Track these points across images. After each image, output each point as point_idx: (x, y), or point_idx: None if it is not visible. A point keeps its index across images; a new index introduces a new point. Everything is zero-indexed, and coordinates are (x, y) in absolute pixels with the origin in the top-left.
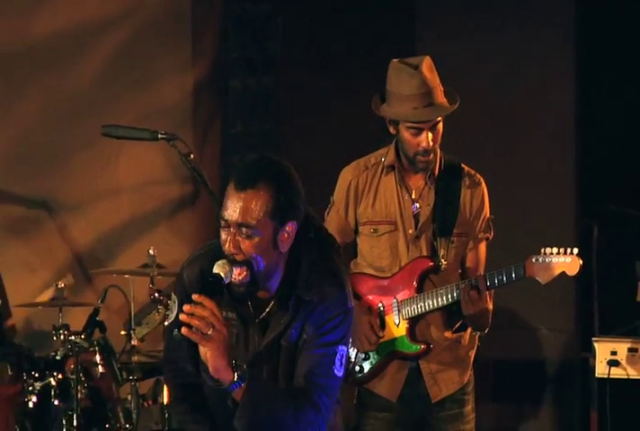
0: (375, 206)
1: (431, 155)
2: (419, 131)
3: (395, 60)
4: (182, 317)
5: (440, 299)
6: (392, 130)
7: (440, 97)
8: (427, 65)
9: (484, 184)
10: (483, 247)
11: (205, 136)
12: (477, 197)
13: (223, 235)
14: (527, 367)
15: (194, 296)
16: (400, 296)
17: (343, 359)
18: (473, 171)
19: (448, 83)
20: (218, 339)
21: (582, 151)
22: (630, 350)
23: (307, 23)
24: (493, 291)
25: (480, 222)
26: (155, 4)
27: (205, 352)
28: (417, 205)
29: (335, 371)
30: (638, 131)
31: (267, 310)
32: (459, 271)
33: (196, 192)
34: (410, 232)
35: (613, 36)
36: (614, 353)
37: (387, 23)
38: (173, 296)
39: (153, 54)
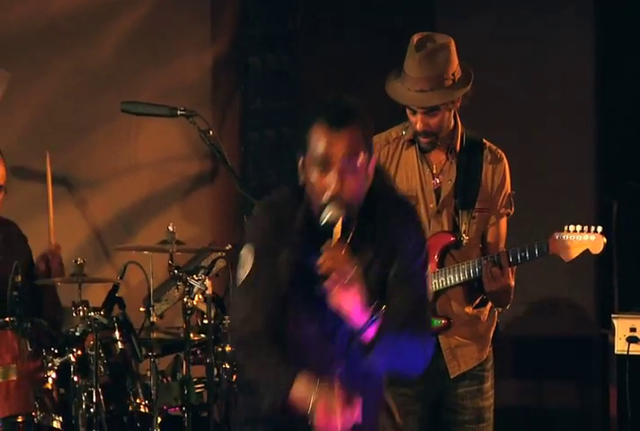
0: (396, 180)
1: (432, 138)
2: (413, 112)
3: (414, 38)
4: (322, 271)
5: (461, 274)
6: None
7: (450, 81)
8: (443, 47)
9: (505, 160)
10: (504, 222)
11: (224, 112)
12: (499, 173)
13: (323, 179)
14: (546, 344)
15: (325, 247)
16: None
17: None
18: (494, 147)
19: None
20: (356, 285)
21: (601, 128)
22: None
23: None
24: (515, 267)
25: (501, 197)
26: None
27: (342, 299)
28: (438, 180)
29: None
30: None
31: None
32: (480, 246)
33: (215, 169)
34: (431, 206)
35: (634, 16)
36: (633, 329)
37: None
38: (247, 247)
39: (172, 31)
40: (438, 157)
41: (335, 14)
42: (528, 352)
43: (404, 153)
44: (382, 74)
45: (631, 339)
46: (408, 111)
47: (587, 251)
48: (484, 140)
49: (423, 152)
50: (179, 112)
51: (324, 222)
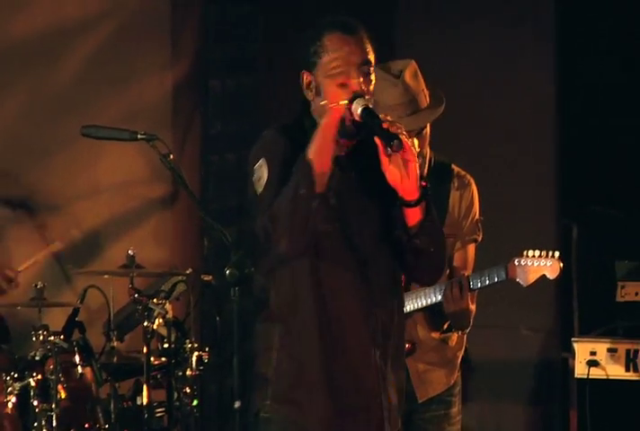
0: None
1: (420, 159)
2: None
3: (376, 67)
4: (396, 130)
5: (424, 299)
6: None
7: (425, 102)
8: (410, 71)
9: (474, 185)
10: (471, 248)
11: (185, 136)
12: (466, 199)
13: (352, 80)
14: (507, 367)
15: (383, 116)
16: None
17: None
18: (463, 172)
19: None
20: (415, 156)
21: (562, 151)
22: (609, 350)
23: (288, 24)
24: (476, 292)
25: (468, 223)
26: (135, 4)
27: (397, 166)
28: None
29: None
30: (618, 132)
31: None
32: (447, 272)
33: (175, 192)
34: None
35: (593, 33)
36: (593, 353)
37: (369, 26)
38: (261, 161)
39: (133, 54)
40: None
41: (295, 38)
42: (489, 375)
43: None
44: None
45: (591, 363)
46: None
47: (544, 276)
48: (453, 165)
49: None
50: (139, 136)
51: (365, 109)
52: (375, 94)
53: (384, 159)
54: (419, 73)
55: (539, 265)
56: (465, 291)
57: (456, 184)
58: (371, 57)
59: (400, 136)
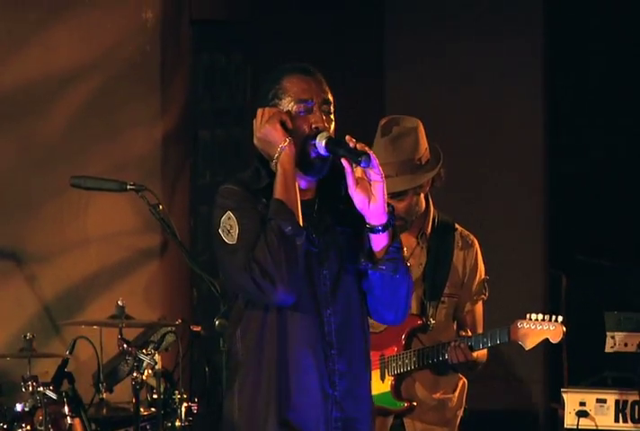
0: None
1: (400, 222)
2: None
3: (382, 120)
4: (361, 146)
5: (426, 358)
6: None
7: (412, 168)
8: (411, 132)
9: (477, 245)
10: (479, 307)
11: (174, 186)
12: (470, 259)
13: (303, 119)
14: (496, 418)
15: (348, 137)
16: (387, 352)
17: None
18: (466, 232)
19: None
20: (382, 176)
21: (550, 202)
22: (599, 401)
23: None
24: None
25: (475, 284)
26: (125, 55)
27: (364, 189)
28: (408, 264)
29: None
30: (605, 182)
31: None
32: (454, 329)
33: (165, 243)
34: None
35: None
36: (583, 404)
37: (357, 73)
38: (228, 213)
39: (122, 104)
40: (408, 241)
41: None
42: (479, 425)
43: None
44: None
45: (580, 414)
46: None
47: (546, 340)
48: (456, 224)
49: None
50: (128, 187)
51: (329, 139)
52: (374, 148)
53: (351, 182)
54: (419, 135)
55: (542, 329)
56: (467, 352)
57: (459, 244)
58: (329, 97)
59: (368, 152)
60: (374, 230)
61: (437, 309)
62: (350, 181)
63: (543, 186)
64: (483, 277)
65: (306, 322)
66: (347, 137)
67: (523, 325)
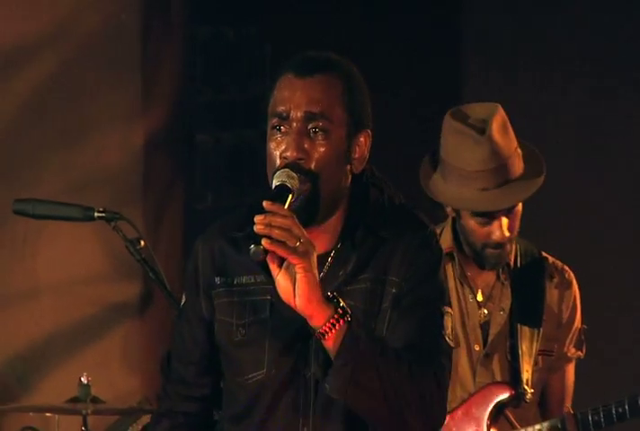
0: None
1: (508, 246)
2: (489, 219)
3: (450, 114)
4: (259, 228)
5: None
6: (449, 211)
7: (519, 168)
8: (497, 122)
9: (575, 283)
10: (571, 369)
11: (161, 213)
12: (568, 301)
13: (276, 142)
14: None
15: (266, 204)
16: None
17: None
18: (560, 264)
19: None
20: (310, 255)
21: None
22: None
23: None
24: None
25: (571, 334)
26: (89, 27)
27: (290, 277)
28: (486, 310)
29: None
30: None
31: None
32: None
33: (147, 294)
34: (476, 348)
35: None
36: None
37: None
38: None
39: (87, 97)
40: (484, 278)
41: None
42: None
43: None
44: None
45: None
46: (475, 221)
47: None
48: (544, 253)
49: (463, 271)
50: (96, 214)
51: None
52: (449, 154)
53: (273, 269)
54: (508, 124)
55: None
56: None
57: (555, 280)
58: (324, 109)
59: (261, 246)
60: (316, 334)
61: (531, 373)
62: (271, 268)
63: None
64: (580, 326)
65: (291, 396)
66: (255, 218)
67: None
